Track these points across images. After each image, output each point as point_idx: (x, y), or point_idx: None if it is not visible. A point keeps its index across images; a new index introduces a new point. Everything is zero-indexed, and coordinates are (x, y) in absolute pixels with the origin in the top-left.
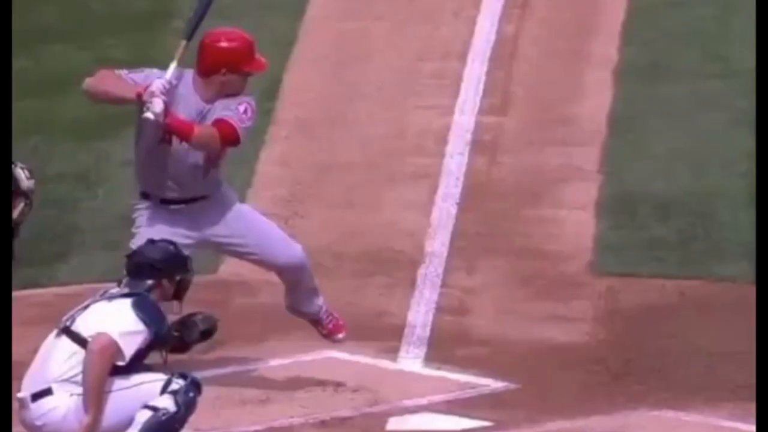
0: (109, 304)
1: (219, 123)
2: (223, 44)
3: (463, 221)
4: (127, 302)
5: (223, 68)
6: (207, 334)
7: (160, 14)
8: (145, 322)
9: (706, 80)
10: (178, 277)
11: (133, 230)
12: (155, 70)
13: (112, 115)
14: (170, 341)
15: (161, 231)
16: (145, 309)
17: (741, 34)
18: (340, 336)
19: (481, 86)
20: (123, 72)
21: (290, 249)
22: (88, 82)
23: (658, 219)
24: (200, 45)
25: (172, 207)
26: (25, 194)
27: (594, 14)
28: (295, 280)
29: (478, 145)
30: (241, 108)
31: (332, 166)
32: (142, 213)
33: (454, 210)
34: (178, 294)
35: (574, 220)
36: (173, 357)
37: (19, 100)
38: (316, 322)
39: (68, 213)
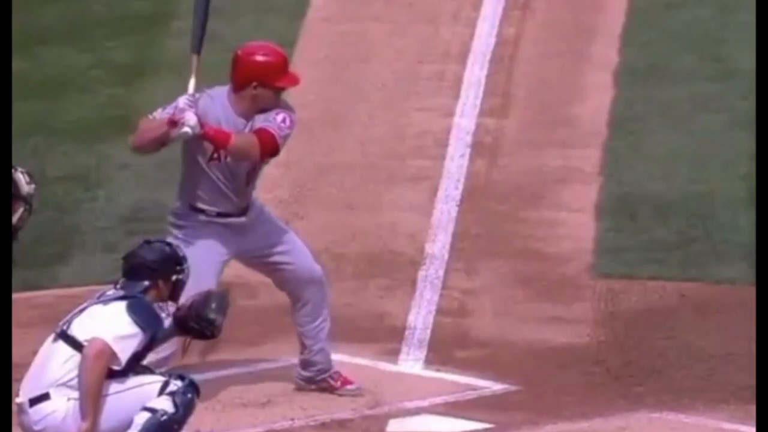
0: (105, 308)
1: (258, 132)
2: (255, 58)
3: (464, 223)
4: (122, 305)
5: (254, 82)
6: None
7: (160, 16)
8: (140, 325)
9: (705, 82)
10: (173, 278)
11: (177, 233)
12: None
13: (112, 117)
14: (191, 332)
15: (199, 245)
16: (139, 312)
17: (740, 35)
18: (353, 386)
19: (482, 88)
20: (156, 112)
21: (314, 264)
22: (132, 140)
23: (658, 221)
24: (233, 58)
25: (227, 221)
26: (25, 199)
27: (594, 16)
28: (310, 311)
29: (478, 147)
30: (279, 117)
31: (332, 168)
32: (181, 225)
33: (454, 212)
34: (174, 295)
35: (574, 222)
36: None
37: (19, 102)
38: (328, 380)
39: (68, 215)
